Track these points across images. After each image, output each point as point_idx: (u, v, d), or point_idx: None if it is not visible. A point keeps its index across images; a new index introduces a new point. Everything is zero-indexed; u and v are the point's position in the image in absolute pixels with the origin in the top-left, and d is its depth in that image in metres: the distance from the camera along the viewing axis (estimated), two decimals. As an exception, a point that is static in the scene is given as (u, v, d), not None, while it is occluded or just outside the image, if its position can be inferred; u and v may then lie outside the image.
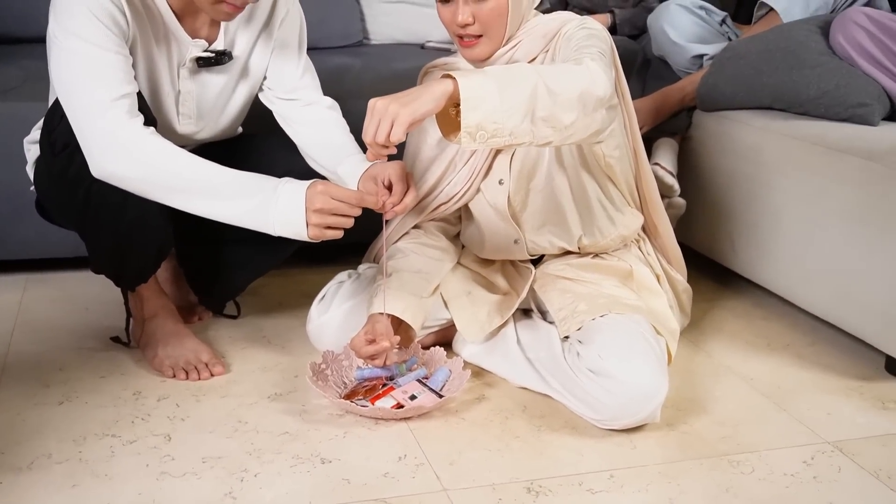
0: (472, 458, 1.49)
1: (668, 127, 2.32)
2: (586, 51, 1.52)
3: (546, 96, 1.37)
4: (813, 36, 2.07)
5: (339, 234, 1.50)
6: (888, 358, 1.82)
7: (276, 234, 1.49)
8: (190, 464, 1.44)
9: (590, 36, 1.58)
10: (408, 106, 1.33)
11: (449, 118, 1.41)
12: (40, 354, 1.81)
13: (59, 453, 1.46)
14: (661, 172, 2.18)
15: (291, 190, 1.47)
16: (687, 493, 1.41)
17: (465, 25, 1.59)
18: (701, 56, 2.38)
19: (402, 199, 1.57)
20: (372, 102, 1.35)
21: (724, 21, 2.48)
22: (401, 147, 1.50)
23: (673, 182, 2.19)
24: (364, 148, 1.44)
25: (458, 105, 1.35)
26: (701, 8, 2.44)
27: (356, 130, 1.76)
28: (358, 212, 1.49)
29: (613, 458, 1.50)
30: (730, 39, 2.45)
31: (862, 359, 1.89)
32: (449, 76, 1.36)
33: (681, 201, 2.19)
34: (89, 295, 2.08)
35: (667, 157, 2.24)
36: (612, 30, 2.72)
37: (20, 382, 1.69)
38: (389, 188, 1.57)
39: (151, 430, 1.54)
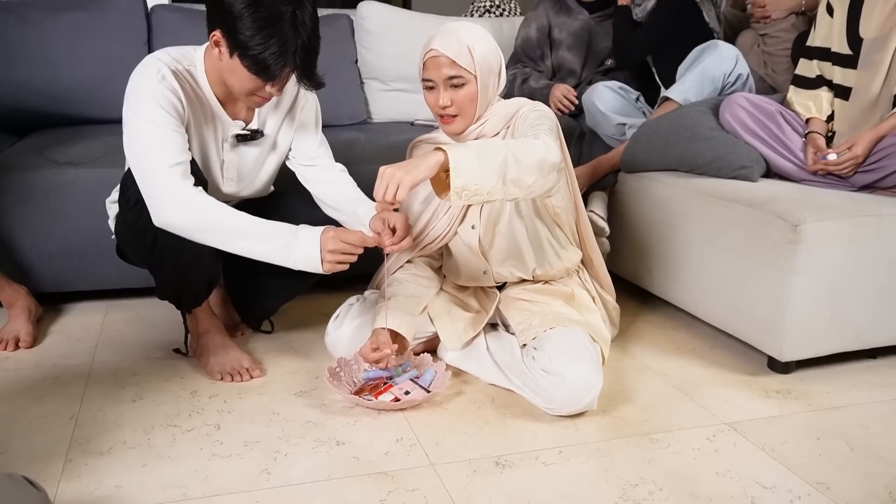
0: (453, 439, 1.48)
1: (600, 183, 2.33)
2: (539, 128, 1.54)
3: (514, 163, 1.38)
4: (706, 115, 2.10)
5: (346, 268, 1.51)
6: (769, 358, 1.83)
7: (297, 269, 1.49)
8: (235, 447, 1.43)
9: (540, 116, 1.60)
10: (409, 173, 1.35)
11: (440, 181, 1.42)
12: (118, 363, 1.79)
13: (132, 440, 1.45)
14: (595, 217, 2.20)
15: (308, 235, 1.48)
16: (618, 464, 1.41)
17: (445, 107, 1.60)
18: (623, 124, 2.39)
19: (400, 242, 1.57)
20: (382, 169, 1.37)
21: (638, 98, 2.51)
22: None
23: (604, 225, 2.21)
24: (372, 198, 1.44)
25: (448, 171, 1.36)
26: (621, 88, 2.47)
27: (362, 187, 1.78)
28: (361, 251, 1.50)
29: (561, 437, 1.50)
30: (644, 113, 2.47)
31: (750, 358, 1.90)
32: (440, 149, 1.37)
33: (605, 244, 2.20)
34: (156, 316, 2.06)
35: (599, 206, 2.26)
36: None
37: (102, 385, 1.67)
38: (393, 230, 1.57)
39: (204, 420, 1.53)
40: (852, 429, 1.56)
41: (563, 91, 2.59)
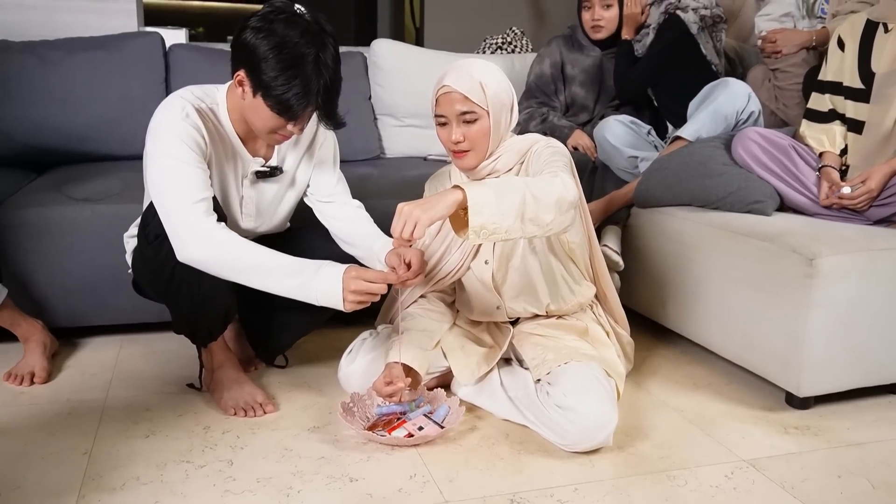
0: (467, 476, 1.47)
1: (613, 217, 2.34)
2: (554, 165, 1.55)
3: (532, 202, 1.39)
4: (718, 151, 2.11)
5: (367, 305, 1.52)
6: (787, 393, 1.82)
7: (318, 304, 1.50)
8: (247, 483, 1.43)
9: (554, 153, 1.61)
10: (427, 212, 1.36)
11: (458, 218, 1.44)
12: (132, 398, 1.79)
13: (145, 476, 1.44)
14: (609, 252, 2.20)
15: (330, 273, 1.48)
16: (635, 502, 1.39)
17: (458, 142, 1.62)
18: (634, 157, 2.40)
19: (414, 277, 1.58)
20: (400, 206, 1.38)
21: (649, 132, 2.52)
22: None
23: (618, 259, 2.21)
24: (387, 233, 1.45)
25: (466, 209, 1.37)
26: (632, 122, 2.49)
27: (375, 221, 1.80)
28: (385, 289, 1.50)
29: (577, 474, 1.48)
30: (655, 147, 2.48)
31: (767, 394, 1.88)
32: (458, 187, 1.39)
33: (616, 279, 2.20)
34: (170, 351, 2.07)
35: (613, 240, 2.26)
36: None
37: (115, 420, 1.67)
38: (408, 265, 1.58)
39: (217, 456, 1.53)
40: (874, 466, 1.54)
41: (587, 143, 2.59)
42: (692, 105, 2.35)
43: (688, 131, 2.27)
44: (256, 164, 1.70)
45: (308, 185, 1.81)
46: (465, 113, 1.60)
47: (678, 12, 2.48)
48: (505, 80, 1.65)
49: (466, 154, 1.64)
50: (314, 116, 1.59)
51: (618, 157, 2.43)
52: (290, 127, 1.55)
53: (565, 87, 2.75)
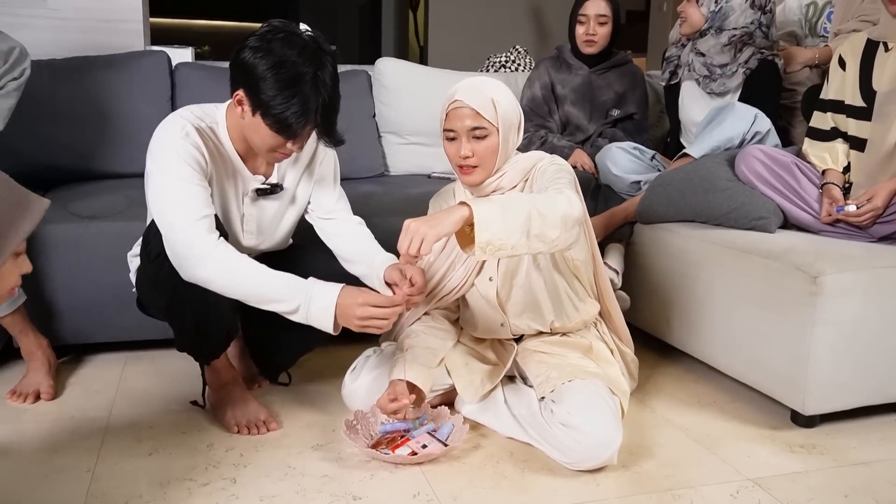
0: (471, 495, 1.46)
1: (616, 235, 2.34)
2: (560, 182, 1.56)
3: (538, 218, 1.40)
4: (722, 167, 2.11)
5: (379, 331, 1.52)
6: (793, 412, 1.81)
7: (314, 326, 1.51)
8: (251, 502, 1.42)
9: (559, 170, 1.62)
10: (434, 228, 1.37)
11: (464, 234, 1.44)
12: (135, 416, 1.79)
13: (148, 494, 1.44)
14: (607, 270, 2.19)
15: (322, 294, 1.49)
16: (640, 521, 1.38)
17: (466, 158, 1.63)
18: (637, 182, 2.41)
19: (419, 294, 1.57)
20: (407, 223, 1.39)
21: (654, 157, 2.52)
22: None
23: (613, 276, 2.20)
24: (391, 252, 1.45)
25: (472, 225, 1.37)
26: (635, 149, 2.49)
27: (379, 239, 1.80)
28: (396, 315, 1.50)
29: (581, 493, 1.47)
30: (659, 170, 2.48)
31: (772, 412, 1.87)
32: (465, 203, 1.39)
33: (624, 296, 2.19)
34: (174, 368, 2.07)
35: (615, 258, 2.26)
36: None
37: (119, 438, 1.67)
38: (410, 282, 1.58)
39: (221, 474, 1.52)
40: (881, 485, 1.53)
41: (586, 162, 2.57)
42: (699, 126, 2.36)
43: (694, 150, 2.28)
44: (257, 182, 1.71)
45: (309, 203, 1.82)
46: (475, 128, 1.60)
47: (776, 60, 2.47)
48: (514, 99, 1.66)
49: (474, 170, 1.65)
50: (314, 134, 1.59)
51: (620, 182, 2.43)
52: (289, 145, 1.56)
53: (558, 107, 2.76)
